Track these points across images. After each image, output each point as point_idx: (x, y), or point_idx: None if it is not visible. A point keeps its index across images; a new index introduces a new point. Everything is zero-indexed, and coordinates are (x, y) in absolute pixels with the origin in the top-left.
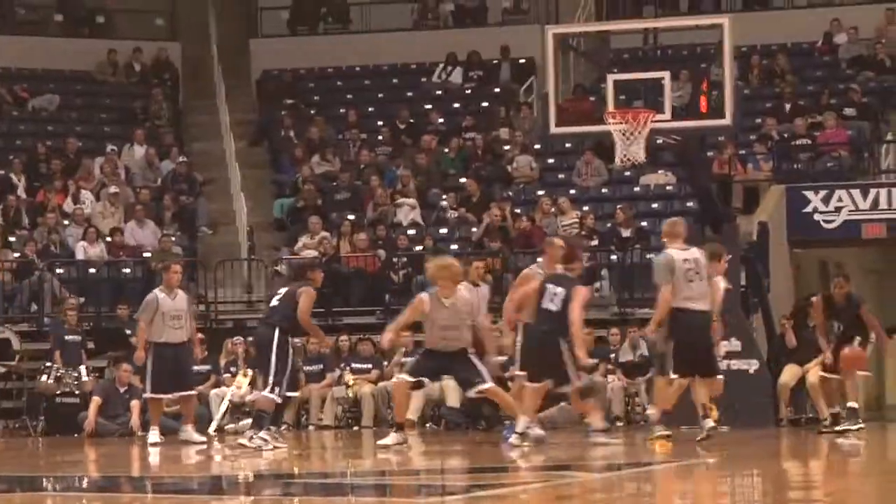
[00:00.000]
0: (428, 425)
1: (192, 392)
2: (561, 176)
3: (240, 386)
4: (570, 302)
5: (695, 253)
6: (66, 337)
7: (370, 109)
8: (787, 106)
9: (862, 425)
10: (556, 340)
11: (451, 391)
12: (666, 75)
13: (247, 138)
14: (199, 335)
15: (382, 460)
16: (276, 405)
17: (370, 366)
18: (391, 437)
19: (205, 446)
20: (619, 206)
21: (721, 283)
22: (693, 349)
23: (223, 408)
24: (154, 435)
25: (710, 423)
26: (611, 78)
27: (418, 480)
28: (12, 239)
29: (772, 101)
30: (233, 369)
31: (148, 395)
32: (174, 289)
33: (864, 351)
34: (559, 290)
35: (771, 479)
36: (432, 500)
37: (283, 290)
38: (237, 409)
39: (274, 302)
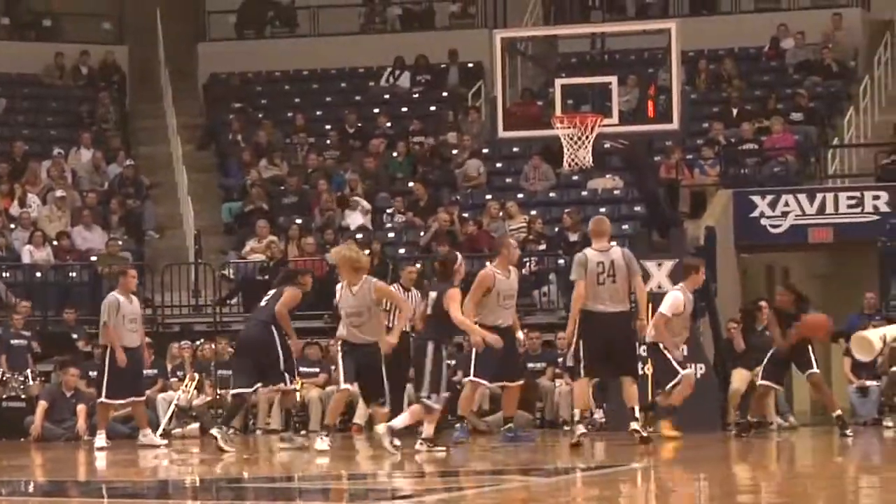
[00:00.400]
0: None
1: (143, 397)
2: (509, 180)
3: (186, 390)
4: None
5: (613, 255)
6: (12, 341)
7: (318, 113)
8: (735, 110)
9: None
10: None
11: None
12: (613, 80)
13: (194, 142)
14: (147, 339)
15: (333, 465)
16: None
17: (318, 370)
18: (324, 442)
19: (165, 449)
20: (566, 211)
21: (674, 294)
22: (600, 351)
23: (170, 412)
24: (101, 439)
25: (581, 428)
26: (558, 82)
27: (366, 485)
28: None
29: (719, 106)
30: (179, 373)
31: (103, 399)
32: (129, 293)
33: (825, 317)
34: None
35: (718, 483)
36: None
37: (272, 292)
38: (184, 414)
39: (263, 302)
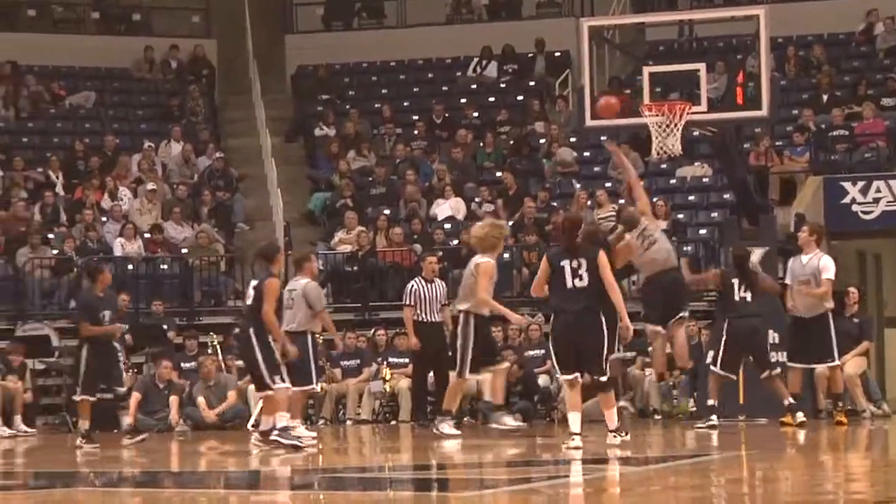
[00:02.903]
0: (465, 419)
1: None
2: (597, 168)
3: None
4: None
5: None
6: None
7: (405, 104)
8: (824, 97)
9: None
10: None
11: (486, 385)
12: (702, 67)
13: (282, 134)
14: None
15: (420, 454)
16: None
17: (407, 360)
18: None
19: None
20: (655, 199)
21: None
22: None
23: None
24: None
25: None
26: (646, 70)
27: (456, 474)
28: (51, 236)
29: (808, 92)
30: None
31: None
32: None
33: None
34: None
35: (810, 471)
36: (469, 495)
37: (253, 284)
38: None
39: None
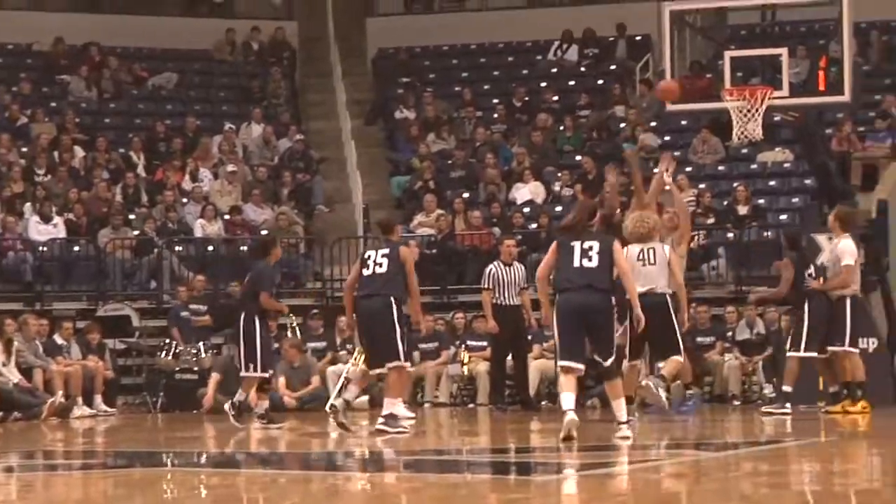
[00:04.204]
0: (543, 403)
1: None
2: (677, 153)
3: (356, 363)
4: None
5: None
6: (183, 314)
7: (485, 87)
8: None
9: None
10: None
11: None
12: (784, 52)
13: (363, 116)
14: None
15: (497, 437)
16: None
17: (485, 343)
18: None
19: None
20: (736, 184)
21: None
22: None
23: (339, 384)
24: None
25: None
26: (728, 55)
27: (532, 458)
28: (132, 216)
29: (892, 78)
30: (349, 346)
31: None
32: None
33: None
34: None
35: (892, 459)
36: (546, 478)
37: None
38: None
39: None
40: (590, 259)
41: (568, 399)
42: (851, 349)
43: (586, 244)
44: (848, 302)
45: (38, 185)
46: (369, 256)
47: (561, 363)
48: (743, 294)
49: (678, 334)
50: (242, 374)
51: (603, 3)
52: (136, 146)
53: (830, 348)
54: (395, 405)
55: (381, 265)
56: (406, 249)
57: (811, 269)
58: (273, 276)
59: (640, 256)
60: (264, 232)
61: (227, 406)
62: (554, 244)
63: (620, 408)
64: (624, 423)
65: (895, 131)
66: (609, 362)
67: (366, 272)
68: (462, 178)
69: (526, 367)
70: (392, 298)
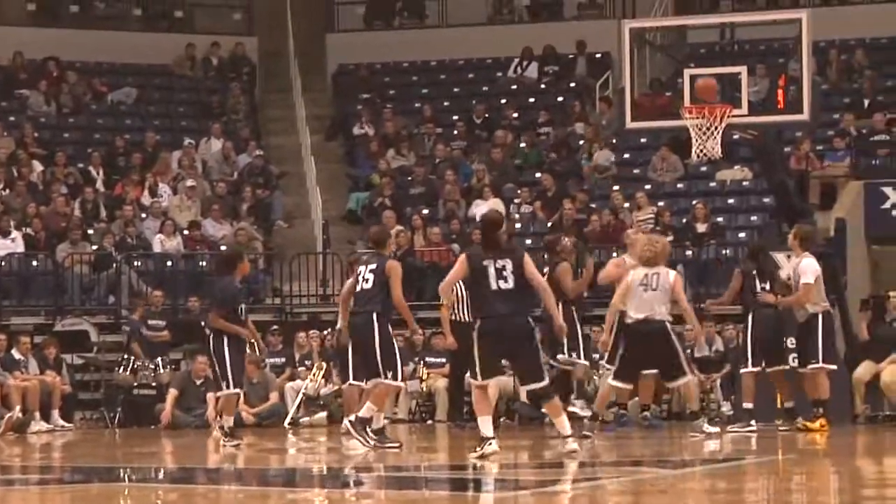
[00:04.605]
0: (502, 419)
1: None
2: (636, 171)
3: (314, 379)
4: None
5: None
6: (143, 330)
7: (445, 104)
8: (866, 101)
9: None
10: None
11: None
12: (743, 70)
13: (322, 132)
14: (274, 327)
15: (455, 454)
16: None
17: (443, 360)
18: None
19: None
20: (695, 202)
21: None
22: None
23: (298, 400)
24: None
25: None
26: (687, 73)
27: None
28: (90, 231)
29: (850, 97)
30: (307, 362)
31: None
32: None
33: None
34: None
35: (848, 477)
36: (504, 495)
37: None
38: (311, 403)
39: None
40: (506, 280)
41: (486, 424)
42: (827, 366)
43: (499, 263)
44: (820, 319)
45: None
46: (360, 272)
47: (477, 383)
48: (701, 312)
49: (681, 356)
50: (218, 393)
51: (563, 20)
52: (95, 161)
53: (808, 367)
54: (372, 412)
55: (367, 281)
56: (392, 263)
57: (766, 284)
58: (237, 293)
59: (644, 281)
60: (224, 247)
61: (218, 434)
62: (462, 258)
63: (563, 424)
64: (568, 436)
65: (853, 150)
66: (542, 385)
67: (357, 288)
68: (422, 194)
69: None
70: (374, 315)
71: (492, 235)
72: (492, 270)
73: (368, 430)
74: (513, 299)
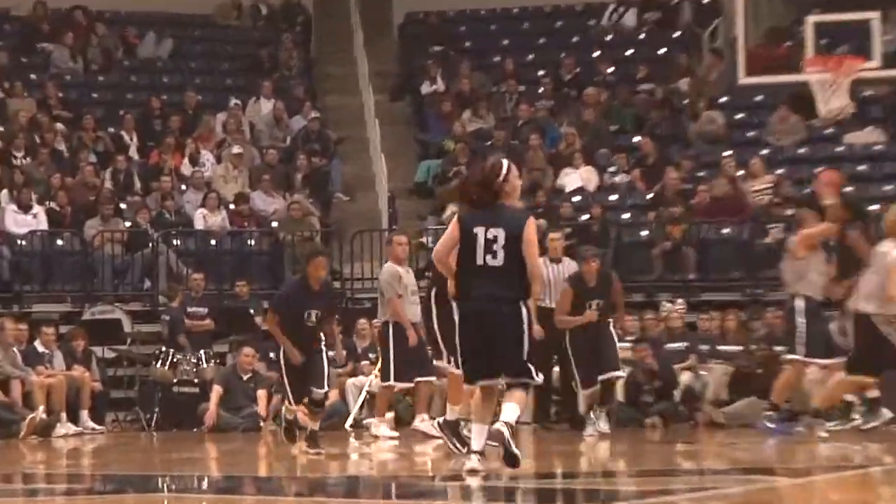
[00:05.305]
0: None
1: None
2: (751, 134)
3: (378, 375)
4: None
5: None
6: (184, 318)
7: (529, 57)
8: None
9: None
10: None
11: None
12: (875, 16)
13: (387, 91)
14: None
15: (545, 462)
16: None
17: None
18: None
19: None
20: (820, 170)
21: None
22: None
23: (361, 399)
24: (384, 428)
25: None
26: (810, 19)
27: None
28: (123, 206)
29: None
30: (371, 355)
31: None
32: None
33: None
34: None
35: None
36: None
37: None
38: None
39: None
40: (494, 255)
41: (480, 434)
42: None
43: (491, 232)
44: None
45: (15, 169)
46: None
47: (479, 385)
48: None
49: None
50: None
51: None
52: (128, 125)
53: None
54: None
55: None
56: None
57: None
58: (288, 298)
59: None
60: (274, 224)
61: (301, 442)
62: (454, 221)
63: (512, 414)
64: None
65: None
66: (538, 380)
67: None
68: None
69: (572, 377)
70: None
71: (488, 191)
72: (481, 240)
73: (461, 432)
74: (499, 278)
